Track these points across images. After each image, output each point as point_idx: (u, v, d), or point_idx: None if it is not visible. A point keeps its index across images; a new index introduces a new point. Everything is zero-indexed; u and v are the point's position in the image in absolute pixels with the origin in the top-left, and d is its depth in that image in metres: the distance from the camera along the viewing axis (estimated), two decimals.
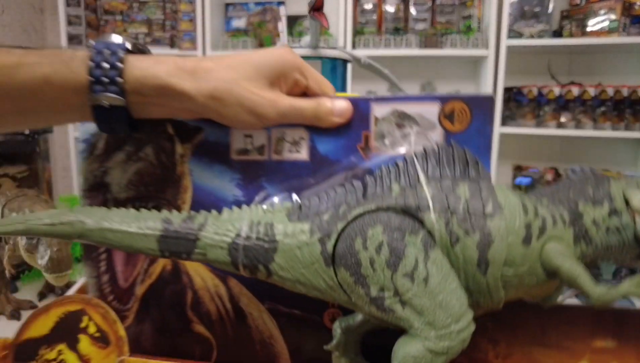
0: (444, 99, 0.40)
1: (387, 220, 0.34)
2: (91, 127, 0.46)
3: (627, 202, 0.36)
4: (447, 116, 0.41)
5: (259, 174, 0.43)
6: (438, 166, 0.37)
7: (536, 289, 0.37)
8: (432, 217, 0.34)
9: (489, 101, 0.40)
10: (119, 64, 0.35)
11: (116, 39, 0.37)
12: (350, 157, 0.42)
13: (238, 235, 0.36)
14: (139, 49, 0.38)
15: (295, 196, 0.43)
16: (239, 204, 0.40)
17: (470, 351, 0.41)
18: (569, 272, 0.34)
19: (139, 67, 0.35)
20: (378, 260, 0.34)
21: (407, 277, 0.33)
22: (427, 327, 0.33)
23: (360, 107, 0.41)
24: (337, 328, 0.41)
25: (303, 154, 0.43)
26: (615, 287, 0.35)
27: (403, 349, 0.33)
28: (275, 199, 0.43)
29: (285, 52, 0.38)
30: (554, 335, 0.45)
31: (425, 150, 0.38)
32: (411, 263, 0.33)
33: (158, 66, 0.36)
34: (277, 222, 0.37)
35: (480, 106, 0.40)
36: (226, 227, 0.36)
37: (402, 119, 0.41)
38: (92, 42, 0.37)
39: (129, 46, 0.37)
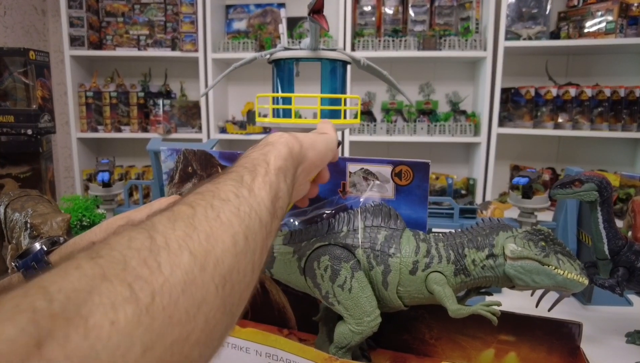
0: (395, 163, 0.57)
1: (332, 251, 0.55)
2: (170, 164, 0.71)
3: (504, 249, 0.50)
4: (397, 174, 0.58)
5: None
6: (372, 217, 0.56)
7: (425, 300, 0.54)
8: (359, 252, 0.55)
9: (426, 165, 0.56)
10: None
11: None
12: (333, 196, 0.63)
13: None
14: None
15: (297, 220, 0.63)
16: None
17: (413, 332, 0.65)
18: (438, 294, 0.51)
19: None
20: (325, 275, 0.55)
21: (340, 287, 0.54)
22: (350, 317, 0.55)
23: (341, 165, 0.60)
24: (321, 306, 0.64)
25: None
26: (468, 307, 0.51)
27: (338, 328, 0.56)
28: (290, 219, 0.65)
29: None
30: (471, 328, 0.61)
31: (366, 206, 0.57)
32: (342, 279, 0.54)
33: None
34: (276, 244, 0.60)
35: (420, 169, 0.57)
36: None
37: (367, 174, 0.60)
38: None
39: None
